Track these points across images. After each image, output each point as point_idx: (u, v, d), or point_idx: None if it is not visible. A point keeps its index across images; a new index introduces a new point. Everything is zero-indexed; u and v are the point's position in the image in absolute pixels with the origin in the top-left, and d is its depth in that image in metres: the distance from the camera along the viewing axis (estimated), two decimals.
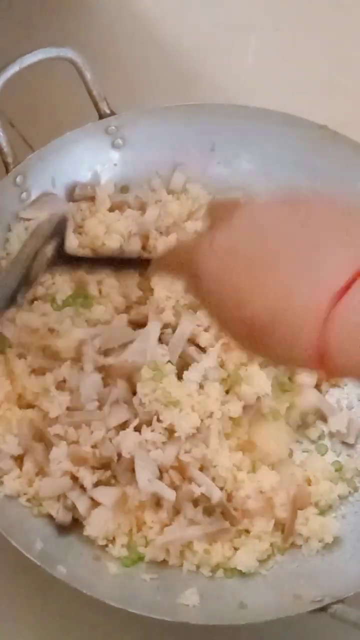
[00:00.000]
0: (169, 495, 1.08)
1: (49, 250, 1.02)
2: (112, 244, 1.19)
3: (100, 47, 1.35)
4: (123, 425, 1.11)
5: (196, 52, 1.47)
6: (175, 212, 1.23)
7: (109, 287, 1.18)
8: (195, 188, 1.26)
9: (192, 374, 1.12)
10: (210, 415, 1.10)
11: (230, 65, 1.46)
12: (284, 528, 1.10)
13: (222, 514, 1.09)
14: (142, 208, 1.24)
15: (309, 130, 1.24)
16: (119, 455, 1.09)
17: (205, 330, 1.15)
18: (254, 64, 1.48)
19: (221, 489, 1.09)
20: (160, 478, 1.09)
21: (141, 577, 1.08)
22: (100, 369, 1.13)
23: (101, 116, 1.23)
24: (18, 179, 1.20)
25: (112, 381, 1.13)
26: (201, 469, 1.10)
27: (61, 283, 1.18)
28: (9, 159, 1.19)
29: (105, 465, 1.10)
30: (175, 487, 1.09)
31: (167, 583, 1.08)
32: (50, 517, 1.10)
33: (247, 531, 1.10)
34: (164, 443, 1.10)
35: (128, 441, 1.09)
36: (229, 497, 1.10)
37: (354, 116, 1.38)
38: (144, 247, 1.22)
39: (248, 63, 1.49)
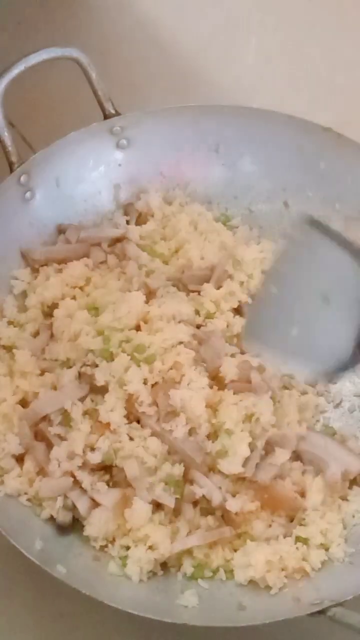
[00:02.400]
0: (169, 502, 1.08)
1: None
2: None
3: (100, 48, 1.34)
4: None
5: (197, 53, 1.48)
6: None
7: None
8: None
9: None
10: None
11: (230, 65, 1.47)
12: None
13: (222, 517, 1.10)
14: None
15: (313, 132, 1.24)
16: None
17: None
18: (254, 64, 1.49)
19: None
20: None
21: (140, 577, 1.08)
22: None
23: (106, 116, 1.23)
24: (22, 178, 1.20)
25: None
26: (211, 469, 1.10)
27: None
28: (14, 158, 1.20)
29: (104, 467, 1.11)
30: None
31: (166, 584, 1.08)
32: (50, 516, 1.09)
33: (247, 533, 1.10)
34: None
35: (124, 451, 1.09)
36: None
37: (354, 116, 1.39)
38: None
39: (248, 63, 1.49)
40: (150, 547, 1.07)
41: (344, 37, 1.52)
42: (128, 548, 1.08)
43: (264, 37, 1.51)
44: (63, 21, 1.47)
